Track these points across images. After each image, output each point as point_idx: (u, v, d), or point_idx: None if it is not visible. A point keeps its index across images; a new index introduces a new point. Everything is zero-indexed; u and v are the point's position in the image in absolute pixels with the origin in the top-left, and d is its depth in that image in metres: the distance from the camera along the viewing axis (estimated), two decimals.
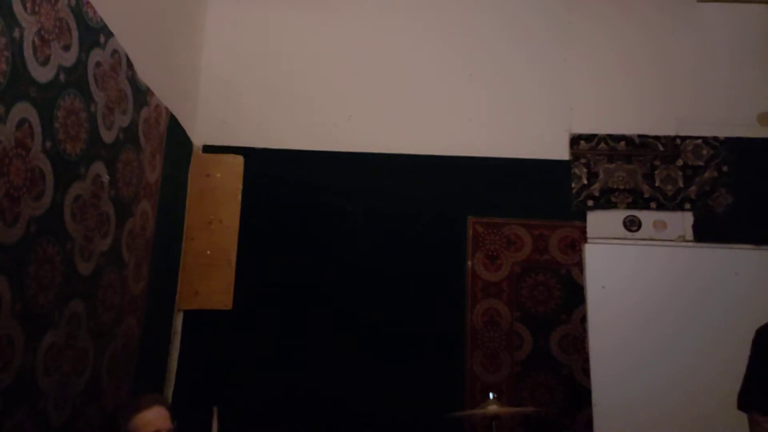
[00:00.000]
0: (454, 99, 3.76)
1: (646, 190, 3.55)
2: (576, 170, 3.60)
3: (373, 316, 3.43)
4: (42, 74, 2.04)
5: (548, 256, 3.51)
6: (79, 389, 2.34)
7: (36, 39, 2.00)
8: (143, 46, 2.87)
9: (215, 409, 2.49)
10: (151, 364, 3.11)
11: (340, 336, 3.42)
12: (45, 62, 2.05)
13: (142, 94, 2.85)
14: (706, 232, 3.47)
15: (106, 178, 2.48)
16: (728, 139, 3.58)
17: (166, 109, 3.16)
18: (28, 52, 1.96)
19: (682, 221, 3.50)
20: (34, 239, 2.02)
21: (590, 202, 3.55)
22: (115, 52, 2.56)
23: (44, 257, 2.07)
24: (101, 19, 2.43)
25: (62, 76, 2.16)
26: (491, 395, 2.83)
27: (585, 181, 3.58)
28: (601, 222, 3.53)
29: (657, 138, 3.62)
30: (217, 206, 3.56)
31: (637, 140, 3.62)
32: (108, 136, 2.51)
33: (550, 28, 3.84)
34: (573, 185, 3.58)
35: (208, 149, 3.66)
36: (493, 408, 2.74)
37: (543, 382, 3.34)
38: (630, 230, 3.51)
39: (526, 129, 3.70)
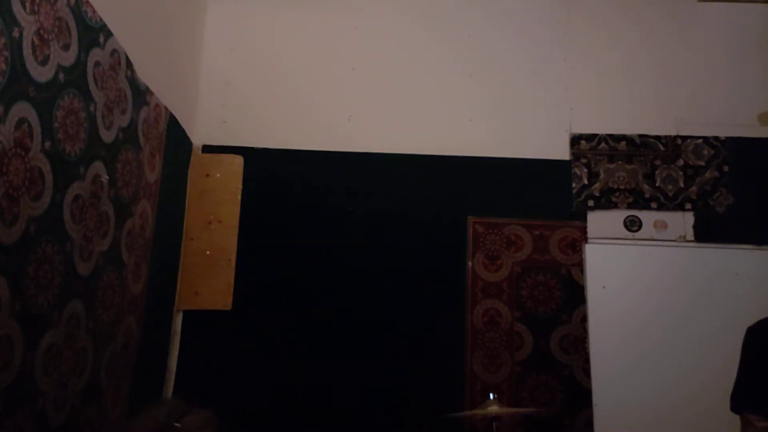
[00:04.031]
0: (454, 99, 3.75)
1: (647, 190, 3.54)
2: (576, 170, 3.60)
3: (373, 316, 3.43)
4: (41, 74, 2.04)
5: (548, 256, 3.50)
6: (79, 389, 2.33)
7: (35, 38, 2.00)
8: (143, 45, 2.86)
9: None
10: (151, 364, 3.11)
11: (340, 336, 3.41)
12: (44, 62, 2.05)
13: (141, 94, 2.85)
14: (706, 232, 3.47)
15: (105, 178, 2.48)
16: (729, 139, 3.58)
17: (166, 108, 3.15)
18: (27, 52, 1.96)
19: (683, 221, 3.50)
20: (34, 239, 2.01)
21: (591, 202, 3.54)
22: (114, 51, 2.55)
23: (43, 257, 2.07)
24: (100, 19, 2.42)
25: (61, 76, 2.15)
26: (491, 395, 2.83)
27: (585, 181, 3.57)
28: (602, 222, 3.52)
29: (658, 138, 3.62)
30: (217, 206, 3.55)
31: (637, 140, 3.61)
32: (107, 136, 2.50)
33: (550, 27, 3.84)
34: (573, 185, 3.58)
35: (208, 149, 3.65)
36: (493, 408, 2.74)
37: (543, 383, 3.34)
38: (630, 230, 3.51)
39: (527, 129, 3.70)
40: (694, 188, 3.53)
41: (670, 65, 3.74)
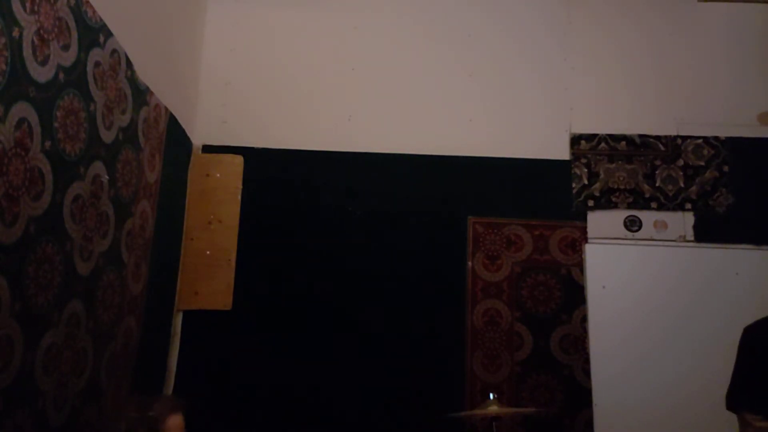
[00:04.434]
0: (454, 99, 3.75)
1: (647, 190, 3.54)
2: (576, 170, 3.60)
3: (373, 316, 3.43)
4: (41, 74, 2.04)
5: (548, 256, 3.50)
6: (79, 389, 2.33)
7: (35, 38, 1.99)
8: (143, 45, 2.86)
9: None
10: (151, 364, 3.11)
11: (340, 336, 3.41)
12: (44, 62, 2.05)
13: (141, 94, 2.85)
14: (706, 232, 3.47)
15: (105, 178, 2.48)
16: (729, 139, 3.57)
17: (166, 108, 3.15)
18: (27, 52, 1.95)
19: (683, 221, 3.50)
20: (34, 239, 2.01)
21: (591, 202, 3.54)
22: (114, 51, 2.55)
23: (43, 257, 2.07)
24: (100, 19, 2.42)
25: (61, 76, 2.15)
26: (491, 396, 2.82)
27: (585, 181, 3.57)
28: (602, 222, 3.52)
29: (658, 138, 3.61)
30: (217, 206, 3.55)
31: (637, 140, 3.61)
32: (107, 136, 2.50)
33: (550, 27, 3.84)
34: (573, 185, 3.58)
35: (208, 149, 3.65)
36: (493, 408, 2.74)
37: (543, 383, 3.33)
38: (630, 230, 3.51)
39: (527, 129, 3.70)
40: (694, 188, 3.53)
41: (670, 65, 3.74)
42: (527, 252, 3.51)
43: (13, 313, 1.92)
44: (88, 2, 2.32)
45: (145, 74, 2.85)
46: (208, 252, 3.49)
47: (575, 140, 3.64)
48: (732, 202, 3.49)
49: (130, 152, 2.72)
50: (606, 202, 3.54)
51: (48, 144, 2.07)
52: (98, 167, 2.43)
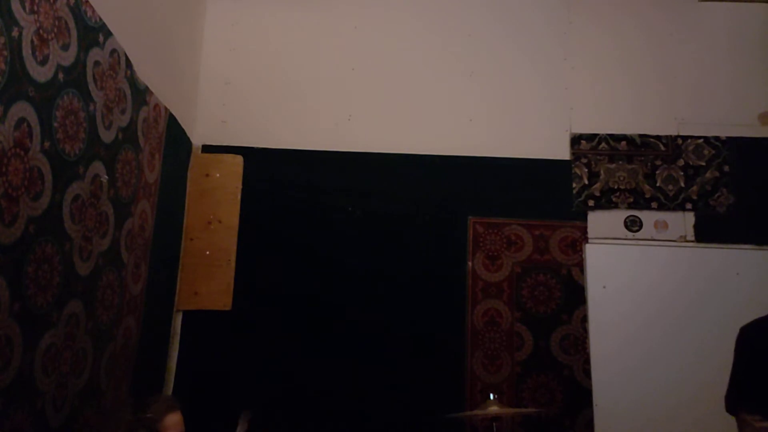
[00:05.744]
0: (454, 99, 3.75)
1: (647, 190, 3.54)
2: (577, 170, 3.59)
3: (373, 316, 3.43)
4: (41, 74, 2.03)
5: (549, 256, 3.50)
6: (78, 390, 2.33)
7: (35, 38, 1.99)
8: (142, 45, 2.86)
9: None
10: (150, 364, 3.10)
11: (340, 336, 3.40)
12: (44, 62, 2.04)
13: (141, 94, 2.84)
14: (707, 232, 3.46)
15: (104, 177, 2.48)
16: (730, 139, 3.57)
17: (166, 108, 3.15)
18: (26, 52, 1.95)
19: (684, 221, 3.50)
20: (33, 239, 2.01)
21: (591, 202, 3.54)
22: (114, 51, 2.55)
23: (43, 257, 2.07)
24: (100, 18, 2.42)
25: (61, 76, 2.15)
26: (492, 396, 2.82)
27: (586, 181, 3.57)
28: (602, 222, 3.52)
29: (658, 138, 3.61)
30: (217, 206, 3.55)
31: (638, 140, 3.61)
32: (107, 136, 2.50)
33: (550, 27, 3.83)
34: (574, 185, 3.57)
35: (208, 149, 3.65)
36: (493, 409, 2.73)
37: (544, 383, 3.33)
38: (631, 230, 3.51)
39: (527, 129, 3.69)
40: (694, 188, 3.52)
41: (671, 65, 3.74)
42: (527, 252, 3.51)
43: (12, 313, 1.91)
44: (87, 2, 2.32)
45: (144, 74, 2.85)
46: (207, 252, 3.49)
47: (575, 140, 3.64)
48: (732, 202, 3.48)
49: (129, 152, 2.71)
50: (606, 202, 3.54)
51: (47, 144, 2.07)
52: (98, 167, 2.42)
